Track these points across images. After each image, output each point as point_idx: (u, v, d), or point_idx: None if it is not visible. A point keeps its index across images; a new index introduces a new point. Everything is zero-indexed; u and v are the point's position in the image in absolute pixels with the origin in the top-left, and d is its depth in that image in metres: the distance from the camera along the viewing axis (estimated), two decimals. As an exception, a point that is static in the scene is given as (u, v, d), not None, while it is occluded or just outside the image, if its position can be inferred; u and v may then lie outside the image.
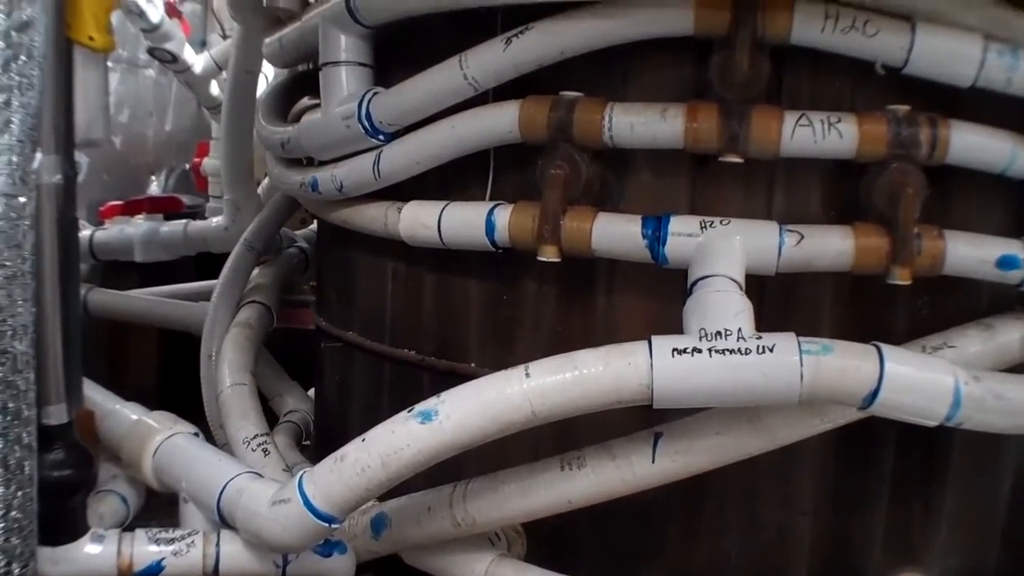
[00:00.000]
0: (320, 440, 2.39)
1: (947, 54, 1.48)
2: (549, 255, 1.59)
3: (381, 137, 1.76)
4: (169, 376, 3.08)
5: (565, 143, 1.56)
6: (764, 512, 1.74)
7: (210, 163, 4.04)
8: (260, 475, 1.57)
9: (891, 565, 1.77)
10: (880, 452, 1.72)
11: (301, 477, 1.46)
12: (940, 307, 1.66)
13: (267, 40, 2.25)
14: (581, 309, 1.73)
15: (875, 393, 1.37)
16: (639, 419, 1.56)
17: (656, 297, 1.65)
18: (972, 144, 1.53)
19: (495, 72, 1.58)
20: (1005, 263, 1.54)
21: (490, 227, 1.64)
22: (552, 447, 1.63)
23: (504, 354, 1.79)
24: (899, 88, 1.52)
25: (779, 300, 1.62)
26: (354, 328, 2.09)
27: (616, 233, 1.56)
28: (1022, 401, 1.46)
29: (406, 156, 1.73)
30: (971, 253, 1.54)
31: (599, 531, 1.75)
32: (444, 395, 1.41)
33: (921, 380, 1.40)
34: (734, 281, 1.46)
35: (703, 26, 1.47)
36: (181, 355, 2.80)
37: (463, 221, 1.69)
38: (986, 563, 1.86)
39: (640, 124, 1.52)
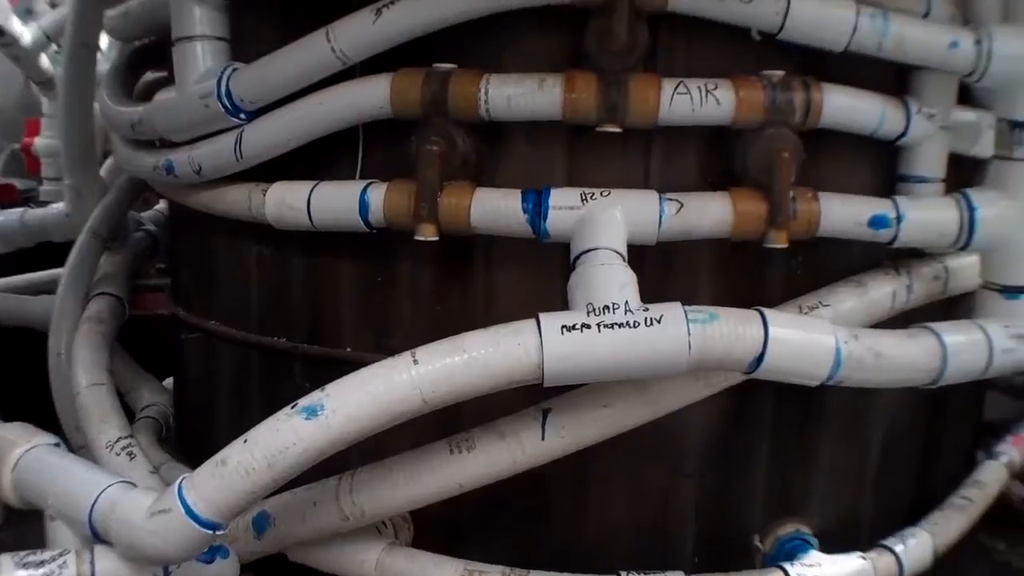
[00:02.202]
0: (182, 435, 2.26)
1: (821, 19, 1.48)
2: (427, 234, 1.52)
3: (243, 116, 1.65)
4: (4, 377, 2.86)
5: (440, 117, 1.49)
6: (650, 479, 1.73)
7: (43, 143, 3.77)
8: (133, 484, 1.45)
9: (773, 518, 1.79)
10: (760, 412, 1.73)
11: (180, 484, 1.35)
12: (814, 267, 1.68)
13: (109, 12, 2.08)
14: (460, 288, 1.67)
15: (760, 358, 1.37)
16: (524, 397, 1.50)
17: (536, 272, 1.61)
18: (844, 107, 1.54)
19: (365, 45, 1.49)
20: (877, 222, 1.56)
21: (363, 207, 1.56)
22: (436, 430, 1.56)
23: (381, 337, 1.71)
24: (774, 53, 1.52)
25: (658, 267, 1.59)
26: (217, 316, 1.97)
27: (496, 209, 1.50)
28: (898, 357, 1.50)
29: (270, 135, 1.62)
30: (845, 214, 1.55)
31: (487, 510, 1.70)
32: (329, 388, 1.33)
33: (804, 342, 1.41)
34: (617, 253, 1.43)
35: (582, -7, 1.42)
36: (18, 353, 2.60)
37: (334, 201, 1.60)
38: (860, 509, 1.92)
39: (518, 96, 1.46)
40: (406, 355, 1.31)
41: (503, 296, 1.64)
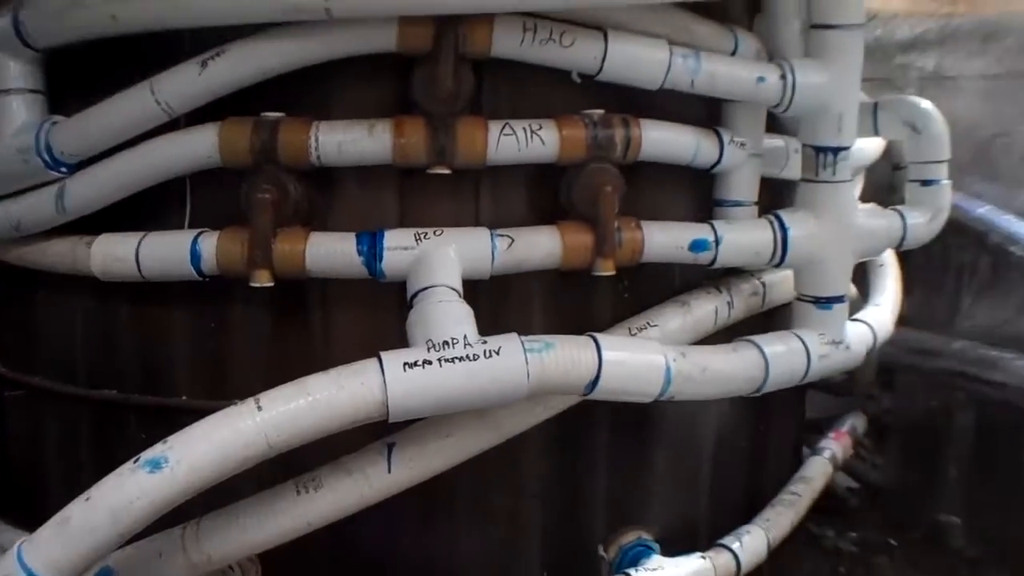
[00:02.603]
0: (9, 497, 2.19)
1: (637, 61, 1.59)
2: (262, 280, 1.54)
3: (64, 169, 1.63)
4: None
5: (271, 165, 1.52)
6: (495, 502, 1.80)
7: None
8: (-36, 553, 1.42)
9: (615, 528, 1.89)
10: (596, 429, 1.83)
11: (19, 548, 1.33)
12: (639, 290, 1.78)
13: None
14: (296, 331, 1.70)
15: (596, 381, 1.46)
16: (367, 432, 1.54)
17: (373, 311, 1.65)
18: (662, 141, 1.66)
19: (190, 96, 1.50)
20: (697, 246, 1.68)
21: (195, 256, 1.57)
22: (279, 471, 1.58)
23: (218, 383, 1.72)
24: (594, 92, 1.61)
25: (493, 300, 1.66)
26: (41, 372, 1.92)
27: (331, 252, 1.54)
28: (723, 370, 1.62)
29: (95, 188, 1.61)
30: (667, 240, 1.67)
31: (335, 544, 1.72)
32: (171, 440, 1.34)
33: (636, 363, 1.51)
34: (453, 289, 1.50)
35: (406, 42, 1.48)
36: None
37: (164, 252, 1.60)
38: (697, 512, 2.05)
39: (348, 142, 1.51)
40: (249, 402, 1.33)
41: (341, 337, 1.68)
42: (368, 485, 1.56)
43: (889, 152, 2.46)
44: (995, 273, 2.68)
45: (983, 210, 2.56)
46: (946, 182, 1.96)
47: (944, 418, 2.84)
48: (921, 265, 2.86)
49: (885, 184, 2.59)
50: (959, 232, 2.59)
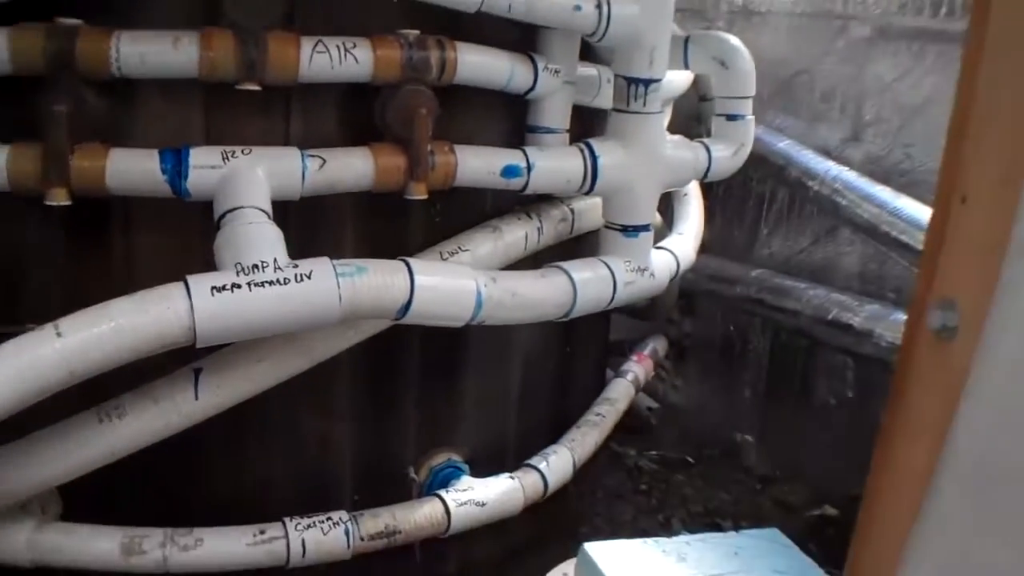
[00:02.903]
0: None
1: (455, -20, 1.58)
2: (58, 198, 1.47)
3: None
4: None
5: (67, 75, 1.45)
6: (305, 426, 1.82)
7: None
8: None
9: (426, 450, 1.95)
10: (407, 353, 1.86)
11: None
12: (451, 215, 1.81)
13: None
14: (97, 254, 1.63)
15: (408, 305, 1.49)
16: (174, 357, 1.50)
17: (178, 234, 1.61)
18: (477, 65, 1.67)
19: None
20: (509, 172, 1.72)
21: (-16, 170, 1.48)
22: (81, 399, 1.53)
23: (11, 308, 1.63)
24: (410, 13, 1.60)
25: (303, 222, 1.65)
26: None
27: (133, 170, 1.49)
28: (533, 295, 1.67)
29: None
30: (480, 165, 1.69)
31: (140, 474, 1.69)
32: (-39, 367, 1.29)
33: (447, 288, 1.55)
34: (263, 211, 1.48)
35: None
36: None
37: (-52, 167, 1.51)
38: (506, 434, 2.12)
39: (151, 54, 1.45)
40: (48, 327, 1.29)
41: (145, 260, 1.63)
42: (176, 412, 1.54)
43: (697, 83, 2.55)
44: (792, 205, 2.84)
45: (784, 144, 2.70)
46: (750, 117, 2.06)
47: (741, 343, 3.02)
48: (722, 195, 3.00)
49: (692, 114, 2.69)
50: (760, 164, 2.72)
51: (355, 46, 1.55)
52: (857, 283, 2.66)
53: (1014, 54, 0.94)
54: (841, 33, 2.69)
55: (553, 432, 2.19)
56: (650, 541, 1.68)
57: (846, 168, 2.55)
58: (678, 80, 2.32)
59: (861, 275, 2.66)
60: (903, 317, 2.33)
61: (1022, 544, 0.87)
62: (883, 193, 2.38)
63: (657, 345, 2.82)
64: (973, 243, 0.98)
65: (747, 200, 2.97)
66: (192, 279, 1.35)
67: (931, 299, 1.03)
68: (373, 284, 1.45)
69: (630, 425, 2.85)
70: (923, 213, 2.22)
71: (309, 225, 1.67)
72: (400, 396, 1.89)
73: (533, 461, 2.03)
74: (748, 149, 2.07)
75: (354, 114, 1.66)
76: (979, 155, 0.99)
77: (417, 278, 1.49)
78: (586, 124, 1.96)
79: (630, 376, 2.52)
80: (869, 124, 2.63)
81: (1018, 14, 0.93)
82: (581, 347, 2.29)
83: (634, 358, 2.64)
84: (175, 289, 1.34)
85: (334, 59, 1.53)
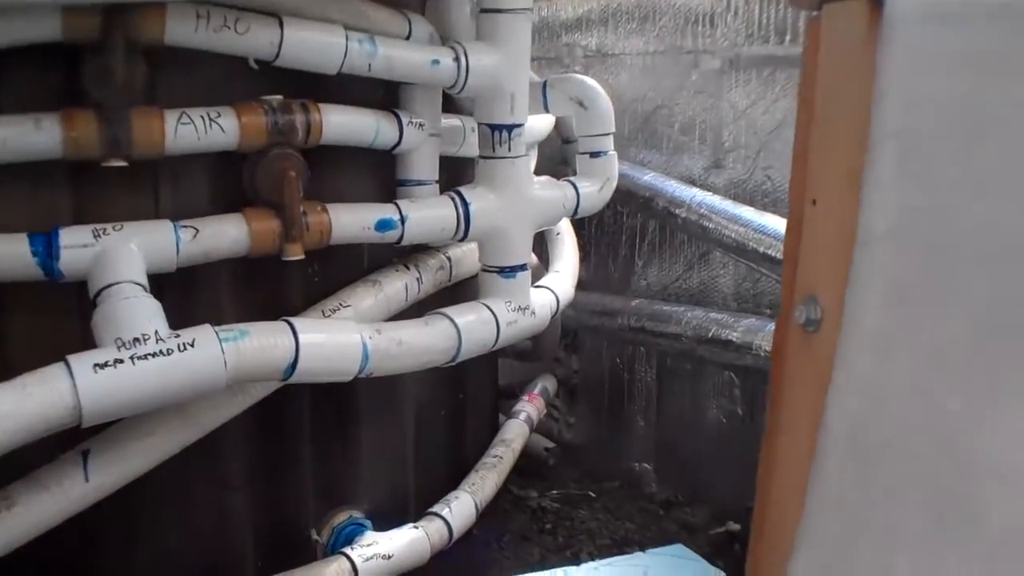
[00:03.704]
0: None
1: (314, 46, 1.65)
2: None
3: None
4: None
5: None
6: (199, 496, 1.81)
7: None
8: None
9: (326, 511, 1.96)
10: (298, 413, 1.88)
11: None
12: (329, 272, 1.85)
13: None
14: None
15: (294, 364, 1.52)
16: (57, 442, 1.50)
17: (53, 316, 1.60)
18: (342, 124, 1.73)
19: None
20: (383, 226, 1.77)
21: None
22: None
23: None
24: (273, 78, 1.66)
25: (181, 293, 1.66)
26: None
27: (2, 255, 1.49)
28: (418, 343, 1.73)
29: None
30: (353, 221, 1.74)
31: (33, 555, 1.67)
32: None
33: (333, 343, 1.59)
34: (139, 285, 1.50)
35: (72, 32, 1.46)
36: None
37: None
38: (406, 485, 2.15)
39: (14, 137, 1.46)
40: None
41: (20, 344, 1.61)
42: (67, 497, 1.53)
43: (559, 127, 2.64)
44: (664, 235, 2.94)
45: (648, 177, 2.80)
46: (612, 153, 2.16)
47: (628, 374, 3.10)
48: (597, 232, 3.09)
49: (558, 157, 2.79)
50: (629, 199, 2.82)
51: (219, 115, 1.58)
52: (734, 303, 2.76)
53: (842, 71, 1.04)
54: (694, 67, 2.82)
55: (452, 478, 2.22)
56: (559, 571, 1.72)
57: (710, 193, 2.66)
58: (541, 124, 2.41)
59: (737, 295, 2.76)
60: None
61: (901, 515, 0.94)
62: (747, 213, 2.49)
63: (546, 384, 2.88)
64: (826, 240, 1.08)
65: (620, 235, 3.06)
66: (73, 358, 1.36)
67: (795, 297, 1.12)
68: (257, 346, 1.48)
69: (529, 467, 2.90)
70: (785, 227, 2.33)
71: (187, 295, 1.68)
72: (295, 457, 1.91)
73: (436, 508, 2.06)
74: (614, 183, 2.17)
75: (225, 181, 1.69)
76: (823, 161, 1.09)
77: (301, 336, 1.53)
78: (456, 173, 2.03)
79: (523, 416, 2.58)
80: (729, 151, 2.75)
81: (843, 36, 1.03)
82: (472, 392, 2.35)
83: (525, 398, 2.70)
84: (56, 370, 1.34)
85: (199, 129, 1.57)
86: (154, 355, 1.40)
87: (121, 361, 1.38)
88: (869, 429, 0.98)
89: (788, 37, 2.60)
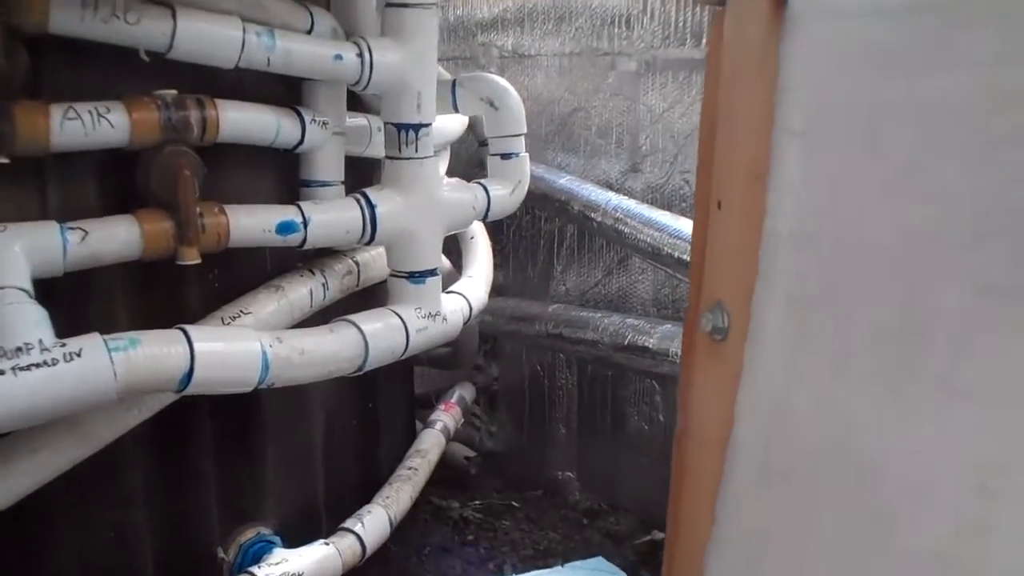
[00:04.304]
0: None
1: (209, 38, 1.59)
2: None
3: None
4: None
5: None
6: (97, 517, 1.73)
7: None
8: None
9: (232, 528, 1.90)
10: (198, 426, 1.82)
11: None
12: (229, 277, 1.79)
13: None
14: None
15: (189, 375, 1.46)
16: None
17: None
18: (240, 121, 1.67)
19: None
20: (285, 228, 1.71)
21: None
22: None
23: None
24: (169, 72, 1.59)
25: (71, 298, 1.59)
26: None
27: None
28: (322, 352, 1.67)
29: None
30: (253, 224, 1.68)
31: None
32: None
33: (230, 352, 1.53)
34: (23, 291, 1.42)
35: (-58, 19, 1.38)
36: None
37: None
38: (315, 499, 2.10)
39: None
40: None
41: None
42: (-56, 516, 1.46)
43: (475, 128, 2.62)
44: (583, 240, 2.93)
45: (564, 180, 2.78)
46: (524, 155, 2.13)
47: (549, 380, 3.08)
48: (515, 237, 3.08)
49: (474, 159, 2.77)
50: (545, 202, 2.81)
51: (109, 111, 1.52)
52: (653, 309, 2.76)
53: (744, 69, 1.03)
54: (611, 69, 2.81)
55: (366, 491, 2.18)
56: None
57: (626, 198, 2.66)
58: (452, 125, 2.38)
59: (656, 300, 2.77)
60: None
61: (811, 533, 0.92)
62: (663, 217, 2.49)
63: (464, 392, 2.85)
64: (731, 244, 1.06)
65: (538, 239, 3.05)
66: (-50, 367, 1.29)
67: (702, 303, 1.10)
68: (149, 356, 1.42)
69: (450, 477, 2.87)
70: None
71: (78, 302, 1.61)
72: (197, 472, 1.84)
73: (348, 524, 2.02)
74: (525, 186, 2.14)
75: (116, 181, 1.62)
76: (727, 162, 1.07)
77: (196, 345, 1.47)
78: (363, 174, 1.99)
79: (439, 426, 2.54)
80: (646, 154, 2.76)
81: (746, 32, 1.01)
82: (385, 401, 2.30)
83: (441, 407, 2.67)
84: (-71, 378, 1.28)
85: (87, 125, 1.50)
86: (38, 365, 1.33)
87: (2, 372, 1.30)
88: (778, 443, 0.96)
89: (704, 40, 2.60)
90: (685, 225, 2.40)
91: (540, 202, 2.79)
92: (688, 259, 2.31)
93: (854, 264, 0.86)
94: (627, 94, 2.78)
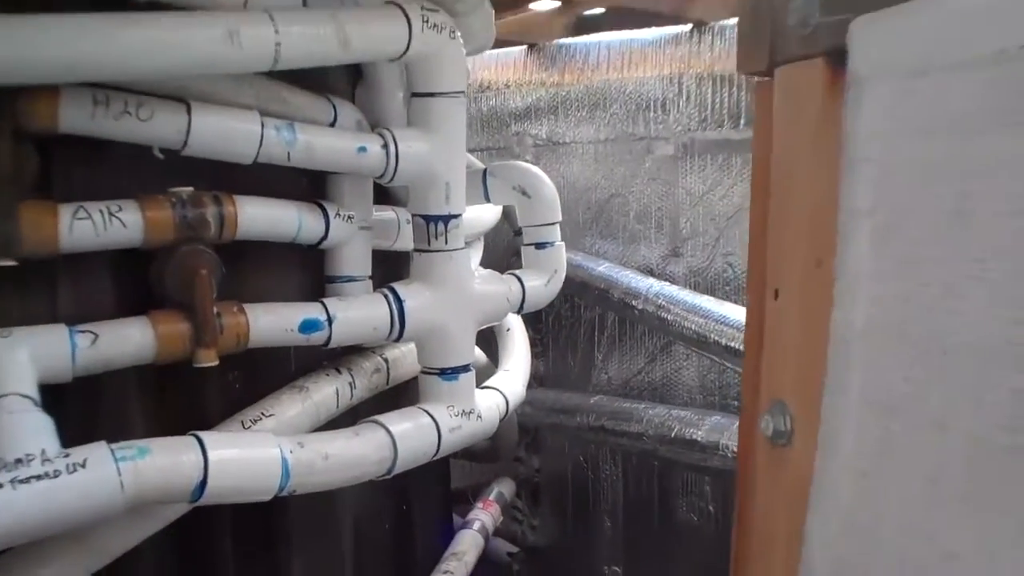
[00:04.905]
0: None
1: (225, 133, 1.47)
2: None
3: None
4: None
5: None
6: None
7: None
8: None
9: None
10: (219, 536, 1.67)
11: None
12: (251, 378, 1.66)
13: None
14: None
15: (203, 485, 1.32)
16: None
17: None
18: (261, 218, 1.55)
19: None
20: (308, 327, 1.58)
21: None
22: None
23: None
24: (185, 168, 1.48)
25: (83, 402, 1.47)
26: None
27: None
28: (347, 456, 1.53)
29: None
30: (274, 322, 1.55)
31: None
32: None
33: (247, 460, 1.39)
34: (28, 398, 1.30)
35: (-51, 119, 1.28)
36: None
37: None
38: (345, 616, 1.92)
39: None
40: None
41: None
42: (-57, 640, 1.32)
43: (509, 217, 2.50)
44: (624, 327, 2.79)
45: (604, 267, 2.66)
46: (559, 244, 1.99)
47: (592, 473, 2.92)
48: (554, 326, 2.94)
49: (511, 249, 2.65)
50: (585, 290, 2.67)
51: (121, 209, 1.40)
52: (699, 396, 2.61)
53: (800, 143, 0.89)
54: (647, 153, 2.70)
55: (400, 599, 2.01)
56: None
57: (667, 284, 2.52)
58: (485, 215, 2.25)
59: (702, 387, 2.61)
60: (746, 424, 2.27)
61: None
62: (707, 303, 2.35)
63: (503, 488, 2.68)
64: (793, 338, 0.91)
65: (578, 327, 2.91)
66: (-56, 483, 1.16)
67: (761, 402, 0.95)
68: (159, 466, 1.28)
69: (492, 574, 2.69)
70: (747, 317, 2.19)
71: (90, 406, 1.48)
72: (217, 586, 1.69)
73: (380, 633, 1.85)
74: (562, 276, 2.00)
75: (131, 280, 1.50)
76: (784, 247, 0.92)
77: (211, 453, 1.33)
78: (393, 266, 1.86)
79: (477, 525, 2.37)
80: (687, 238, 2.63)
81: (800, 103, 0.87)
82: (419, 501, 2.14)
83: (479, 505, 2.50)
84: (-78, 495, 1.15)
85: (98, 225, 1.38)
86: (39, 477, 1.20)
87: (0, 485, 1.17)
88: (857, 572, 0.79)
89: (743, 121, 2.50)
90: (731, 310, 2.26)
91: (579, 290, 2.66)
92: (738, 347, 2.16)
93: (949, 364, 0.69)
94: (665, 178, 2.67)
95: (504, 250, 2.75)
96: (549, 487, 3.08)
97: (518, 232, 2.55)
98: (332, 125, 1.66)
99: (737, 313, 2.24)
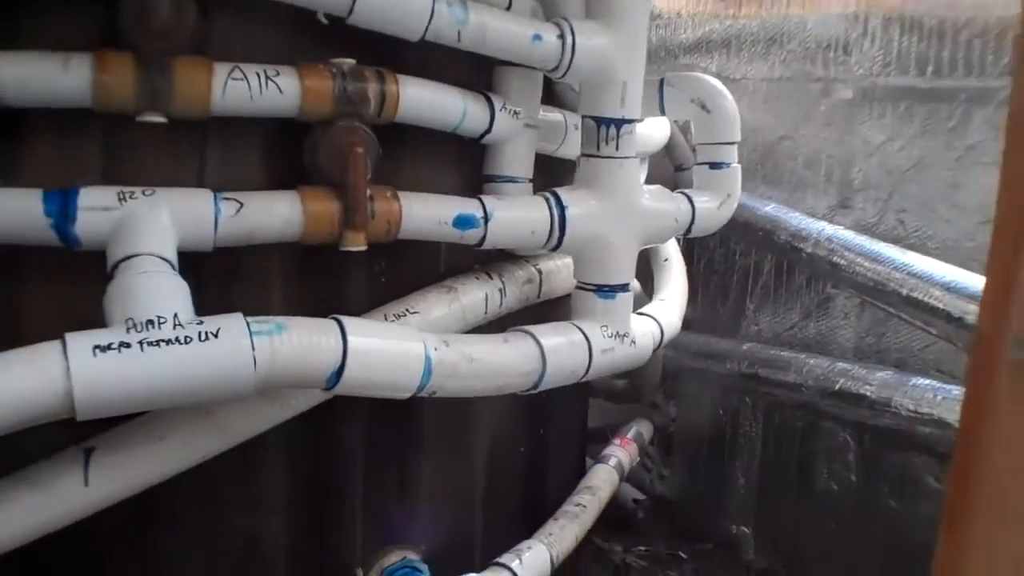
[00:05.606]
0: None
1: (394, 3, 1.32)
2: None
3: None
4: None
5: (-70, 101, 1.16)
6: (229, 520, 1.48)
7: None
8: None
9: (376, 548, 1.62)
10: (350, 432, 1.55)
11: None
12: (397, 272, 1.53)
13: None
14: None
15: (340, 371, 1.20)
16: (62, 433, 1.19)
17: (72, 286, 1.28)
18: (423, 101, 1.41)
19: None
20: (463, 223, 1.44)
21: None
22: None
23: None
24: (344, 41, 1.34)
25: (221, 277, 1.36)
26: None
27: (11, 213, 1.19)
28: (493, 362, 1.39)
29: None
30: (428, 214, 1.41)
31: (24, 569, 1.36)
32: None
33: (389, 351, 1.26)
34: (164, 260, 1.19)
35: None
36: None
37: None
38: (471, 528, 1.81)
39: (36, 77, 1.17)
40: None
41: (32, 317, 1.30)
42: (60, 502, 1.22)
43: (671, 152, 2.30)
44: (780, 278, 2.57)
45: (770, 208, 2.45)
46: (736, 166, 1.80)
47: (731, 427, 2.72)
48: (706, 271, 2.74)
49: (669, 186, 2.46)
50: (744, 233, 2.47)
51: (278, 74, 1.27)
52: (854, 358, 2.38)
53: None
54: (823, 96, 2.47)
55: (527, 525, 1.86)
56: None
57: (841, 228, 2.29)
58: (656, 133, 2.07)
59: (857, 349, 2.39)
60: (924, 383, 2.04)
61: None
62: (888, 250, 2.12)
63: (642, 429, 2.50)
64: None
65: (731, 274, 2.71)
66: (71, 336, 1.06)
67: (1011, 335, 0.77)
68: (296, 345, 1.16)
69: (615, 518, 2.53)
70: (936, 269, 1.96)
71: (229, 286, 1.38)
72: (343, 484, 1.57)
73: (504, 559, 1.71)
74: (736, 200, 1.81)
75: (282, 154, 1.37)
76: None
77: (351, 339, 1.20)
78: (553, 175, 1.69)
79: (613, 462, 2.20)
80: (858, 190, 2.39)
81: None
82: (557, 428, 1.99)
83: (617, 442, 2.33)
84: (49, 348, 1.05)
85: (253, 89, 1.26)
86: (168, 342, 1.09)
87: (127, 345, 1.07)
88: None
89: (931, 68, 2.23)
90: (915, 259, 2.01)
91: (738, 232, 2.45)
92: (920, 297, 1.92)
93: None
94: (840, 124, 2.43)
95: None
96: (683, 437, 2.89)
97: (680, 168, 2.37)
98: (507, 9, 1.49)
99: (923, 263, 2.00)
